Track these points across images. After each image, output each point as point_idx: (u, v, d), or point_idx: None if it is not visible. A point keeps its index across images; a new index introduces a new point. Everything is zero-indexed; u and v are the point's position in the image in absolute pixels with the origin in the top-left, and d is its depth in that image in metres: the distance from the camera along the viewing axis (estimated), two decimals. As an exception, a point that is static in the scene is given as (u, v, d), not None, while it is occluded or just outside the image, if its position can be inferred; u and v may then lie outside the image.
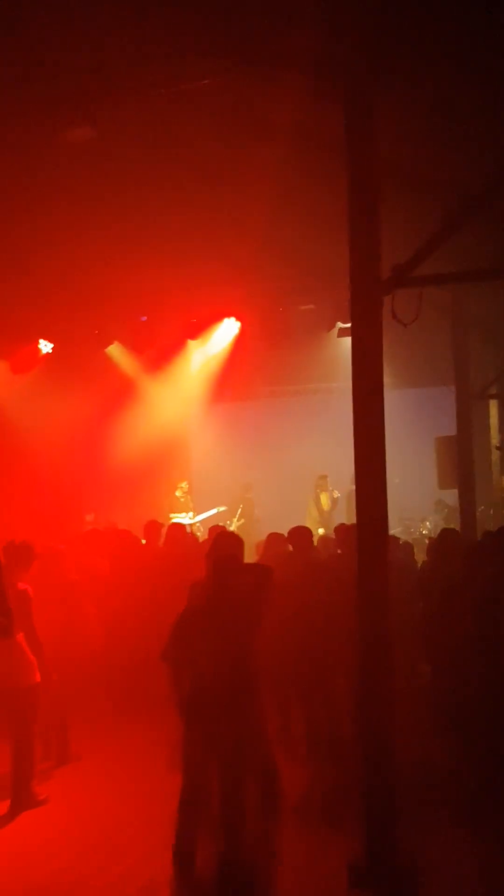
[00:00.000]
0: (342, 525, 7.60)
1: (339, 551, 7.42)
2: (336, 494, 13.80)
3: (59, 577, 6.86)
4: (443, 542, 7.11)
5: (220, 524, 12.12)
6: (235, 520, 14.04)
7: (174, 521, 13.77)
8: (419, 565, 8.46)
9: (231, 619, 4.48)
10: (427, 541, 12.33)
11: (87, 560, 8.21)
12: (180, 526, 9.13)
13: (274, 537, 7.36)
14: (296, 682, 5.68)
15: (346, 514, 13.40)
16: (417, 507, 13.81)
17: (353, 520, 11.46)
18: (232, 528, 13.33)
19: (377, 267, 4.66)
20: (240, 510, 14.28)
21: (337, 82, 4.80)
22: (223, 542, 4.86)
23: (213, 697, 4.41)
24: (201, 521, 13.73)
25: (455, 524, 12.88)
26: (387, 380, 11.70)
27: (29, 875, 4.85)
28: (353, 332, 4.72)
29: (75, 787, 6.21)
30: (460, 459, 9.85)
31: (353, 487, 12.85)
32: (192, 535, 9.76)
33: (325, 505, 13.74)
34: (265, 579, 4.73)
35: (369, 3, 4.59)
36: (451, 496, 12.92)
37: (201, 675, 4.46)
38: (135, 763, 6.57)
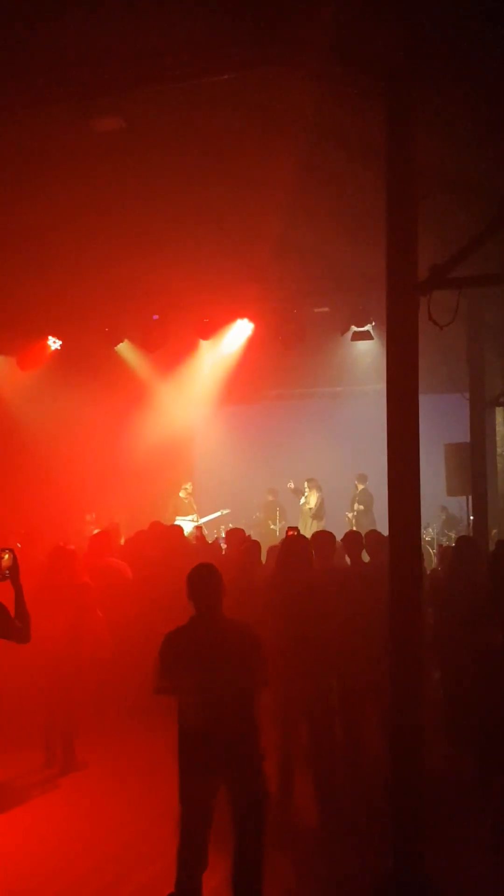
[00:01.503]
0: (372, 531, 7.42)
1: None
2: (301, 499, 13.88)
3: (68, 579, 6.71)
4: (461, 551, 6.98)
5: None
6: (276, 523, 13.98)
7: (176, 522, 13.79)
8: (428, 572, 8.39)
9: (223, 662, 4.08)
10: (431, 549, 12.31)
11: (105, 563, 8.05)
12: (178, 529, 8.98)
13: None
14: (314, 692, 5.48)
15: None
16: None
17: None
18: (276, 531, 13.36)
19: (414, 267, 4.54)
20: (278, 512, 14.37)
21: (378, 79, 4.69)
22: (201, 576, 4.27)
23: (210, 741, 4.07)
24: (205, 524, 13.60)
25: (454, 531, 12.83)
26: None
27: (48, 885, 4.75)
28: (389, 335, 4.59)
29: (85, 796, 6.07)
30: (474, 467, 9.73)
31: (360, 488, 12.98)
32: (202, 536, 9.61)
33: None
34: (253, 648, 4.21)
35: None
36: (451, 503, 12.85)
37: (198, 719, 4.09)
38: (144, 771, 6.39)
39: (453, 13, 4.63)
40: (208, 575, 4.23)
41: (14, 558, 4.14)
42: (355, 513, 13.74)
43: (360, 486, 13.75)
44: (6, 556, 4.13)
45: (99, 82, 5.37)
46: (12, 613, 4.11)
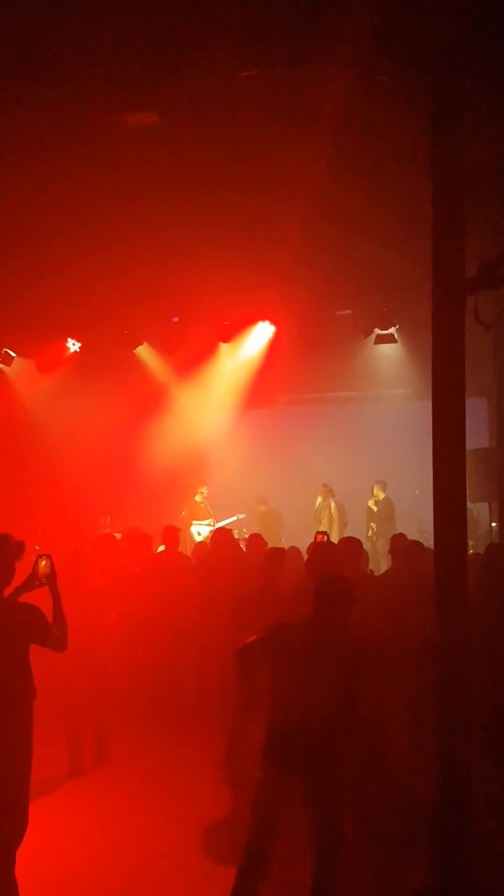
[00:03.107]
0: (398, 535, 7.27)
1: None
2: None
3: (82, 581, 6.62)
4: (491, 559, 6.82)
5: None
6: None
7: (192, 527, 13.63)
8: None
9: (329, 663, 3.98)
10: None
11: (117, 563, 7.96)
12: (228, 531, 8.79)
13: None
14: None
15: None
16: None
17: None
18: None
19: (462, 265, 4.40)
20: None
21: (422, 72, 4.57)
22: (328, 587, 4.22)
23: (299, 744, 3.94)
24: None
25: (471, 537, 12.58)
26: (416, 390, 11.36)
27: (75, 874, 4.79)
28: (434, 335, 4.45)
29: (113, 791, 6.07)
30: (501, 473, 9.56)
31: (377, 497, 12.69)
32: (236, 542, 9.46)
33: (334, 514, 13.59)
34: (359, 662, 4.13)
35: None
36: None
37: (289, 714, 3.98)
38: (169, 773, 6.38)
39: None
40: (335, 587, 4.20)
41: (51, 565, 4.01)
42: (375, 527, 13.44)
43: (381, 496, 13.44)
44: (43, 563, 4.00)
45: (135, 76, 5.25)
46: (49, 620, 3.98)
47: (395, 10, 4.52)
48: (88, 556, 7.01)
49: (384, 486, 13.21)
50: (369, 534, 13.08)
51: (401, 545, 6.72)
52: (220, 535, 8.58)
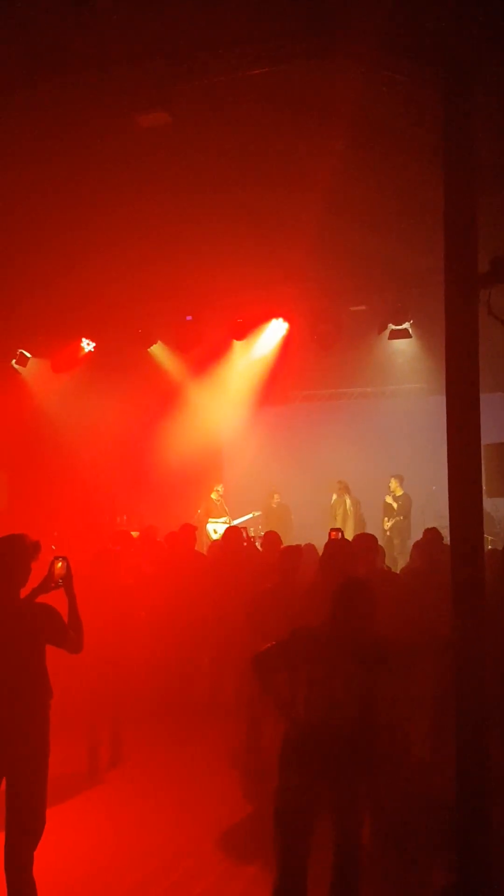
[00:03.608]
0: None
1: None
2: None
3: (112, 580, 6.63)
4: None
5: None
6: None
7: (208, 525, 13.63)
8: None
9: (348, 663, 3.94)
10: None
11: (134, 561, 8.00)
12: (239, 530, 8.78)
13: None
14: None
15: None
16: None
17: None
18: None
19: (475, 260, 4.36)
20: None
21: (433, 66, 4.54)
22: (349, 591, 4.17)
23: (321, 749, 3.88)
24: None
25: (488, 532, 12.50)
26: (431, 385, 11.26)
27: (92, 874, 4.81)
28: (447, 330, 4.41)
29: (130, 792, 6.09)
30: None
31: (395, 493, 12.58)
32: (250, 538, 9.42)
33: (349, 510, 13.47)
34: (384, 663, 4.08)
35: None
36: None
37: (310, 719, 3.93)
38: (191, 775, 6.36)
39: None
40: (355, 591, 4.16)
41: (68, 566, 4.02)
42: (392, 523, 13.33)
43: (400, 492, 13.33)
44: (59, 564, 4.01)
45: (146, 77, 5.25)
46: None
47: (406, 6, 4.47)
48: (119, 555, 7.02)
49: (402, 481, 13.09)
50: (384, 528, 13.04)
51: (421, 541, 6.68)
52: (232, 534, 8.56)
